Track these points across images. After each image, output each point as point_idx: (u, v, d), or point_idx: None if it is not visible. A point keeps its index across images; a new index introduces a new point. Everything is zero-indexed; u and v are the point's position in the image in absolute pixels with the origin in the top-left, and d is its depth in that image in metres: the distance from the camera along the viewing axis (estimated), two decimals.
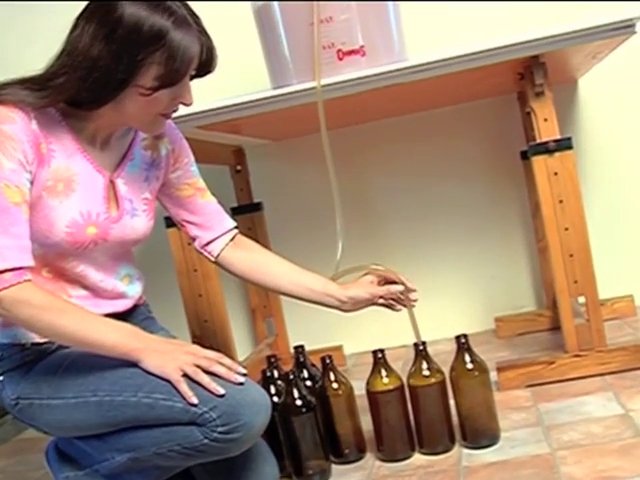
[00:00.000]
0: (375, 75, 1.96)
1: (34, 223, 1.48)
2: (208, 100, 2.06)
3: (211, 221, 1.81)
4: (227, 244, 1.82)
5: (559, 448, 1.72)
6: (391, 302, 1.82)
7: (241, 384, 1.45)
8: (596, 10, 2.57)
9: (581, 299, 2.16)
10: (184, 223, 1.82)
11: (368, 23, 2.04)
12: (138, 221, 1.65)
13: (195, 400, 1.41)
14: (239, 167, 2.86)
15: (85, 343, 1.46)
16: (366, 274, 1.83)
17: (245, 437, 1.43)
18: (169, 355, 1.46)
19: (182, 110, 2.01)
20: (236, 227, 1.86)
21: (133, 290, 1.72)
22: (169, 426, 1.45)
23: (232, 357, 2.19)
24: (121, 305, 1.68)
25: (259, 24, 2.15)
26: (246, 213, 2.86)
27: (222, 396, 1.41)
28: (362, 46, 2.02)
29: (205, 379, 1.43)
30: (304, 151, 2.91)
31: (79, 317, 1.47)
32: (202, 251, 1.83)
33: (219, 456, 1.47)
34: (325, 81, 1.97)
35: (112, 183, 1.61)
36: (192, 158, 1.81)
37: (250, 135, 2.64)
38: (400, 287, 1.80)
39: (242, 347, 2.85)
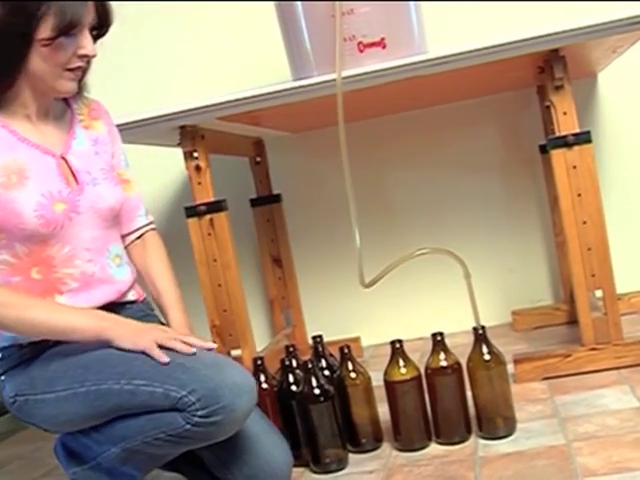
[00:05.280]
0: (396, 67, 1.97)
1: (5, 221, 1.53)
2: (229, 91, 2.08)
3: (124, 217, 1.79)
4: (132, 241, 1.83)
5: (575, 440, 1.72)
6: None
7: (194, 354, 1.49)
8: (617, 5, 2.56)
9: (598, 293, 2.16)
10: None
11: (389, 16, 2.04)
12: (102, 189, 1.68)
13: (166, 359, 1.46)
14: (259, 159, 2.88)
15: (56, 331, 1.52)
16: None
17: (227, 420, 1.44)
18: (141, 332, 1.53)
19: (203, 101, 2.04)
20: (147, 225, 1.85)
21: (122, 273, 1.73)
22: (154, 413, 1.47)
23: (250, 347, 2.21)
24: (112, 291, 1.69)
25: (280, 16, 2.16)
26: (265, 204, 2.88)
27: (199, 373, 1.44)
28: (383, 38, 2.03)
29: (178, 345, 1.49)
30: (323, 143, 2.92)
31: (46, 307, 1.55)
32: None
33: (206, 442, 1.48)
34: (346, 73, 1.98)
35: (64, 160, 1.64)
36: (122, 146, 1.83)
37: (270, 127, 2.65)
38: None
39: (260, 338, 2.86)
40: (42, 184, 1.57)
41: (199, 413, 1.42)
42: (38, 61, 1.54)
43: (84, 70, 1.63)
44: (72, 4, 1.51)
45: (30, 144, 1.60)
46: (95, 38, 1.60)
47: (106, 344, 1.52)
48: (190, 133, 2.16)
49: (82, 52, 1.57)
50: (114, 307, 1.67)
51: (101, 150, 1.74)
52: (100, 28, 1.61)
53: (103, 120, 1.78)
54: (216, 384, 1.43)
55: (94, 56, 1.60)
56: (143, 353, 1.49)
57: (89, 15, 1.56)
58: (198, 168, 2.17)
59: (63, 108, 1.73)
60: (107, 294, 1.67)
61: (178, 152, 2.22)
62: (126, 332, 1.53)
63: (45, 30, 1.50)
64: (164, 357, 1.46)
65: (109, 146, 1.77)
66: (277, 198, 2.90)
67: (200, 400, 1.42)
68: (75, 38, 1.54)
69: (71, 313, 1.56)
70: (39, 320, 1.51)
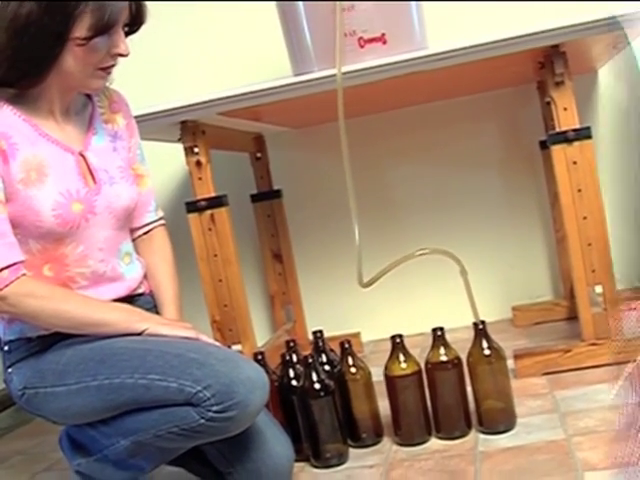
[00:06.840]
0: (396, 63, 1.97)
1: (22, 218, 1.53)
2: (230, 87, 2.08)
3: (135, 211, 1.77)
4: (140, 236, 1.82)
5: (575, 434, 1.73)
6: None
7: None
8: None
9: (598, 289, 2.17)
10: None
11: (389, 11, 2.05)
12: (119, 188, 1.68)
13: (216, 343, 1.60)
14: (259, 154, 2.88)
15: (89, 324, 1.54)
16: None
17: (241, 415, 1.45)
18: (172, 322, 1.65)
19: (204, 96, 2.05)
20: (155, 221, 1.84)
21: (133, 271, 1.73)
22: (167, 407, 1.48)
23: (251, 342, 2.21)
24: (122, 288, 1.69)
25: (281, 12, 2.16)
26: (265, 200, 2.88)
27: (213, 369, 1.45)
28: (383, 34, 2.03)
29: (204, 337, 1.57)
30: (324, 139, 2.92)
31: (81, 301, 1.57)
32: None
33: (219, 436, 1.49)
34: (346, 68, 1.98)
35: (83, 157, 1.64)
36: (139, 140, 1.83)
37: (270, 122, 2.65)
38: None
39: (261, 333, 2.86)
40: (61, 182, 1.57)
41: (214, 408, 1.43)
42: (71, 60, 1.52)
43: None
44: (110, 2, 1.49)
45: (51, 140, 1.59)
46: (125, 35, 1.58)
47: (136, 334, 1.56)
48: (191, 128, 2.16)
49: (116, 51, 1.56)
50: (124, 299, 1.68)
51: (119, 146, 1.74)
52: (132, 25, 1.59)
53: (122, 113, 1.78)
54: (231, 380, 1.44)
55: (127, 55, 1.58)
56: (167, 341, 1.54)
57: (125, 14, 1.54)
58: (199, 163, 2.17)
59: (84, 101, 1.72)
60: (116, 291, 1.68)
61: (179, 147, 2.22)
62: (159, 321, 1.61)
63: (81, 29, 1.48)
64: (212, 340, 1.59)
65: (127, 141, 1.76)
66: (278, 194, 2.90)
67: (215, 396, 1.42)
68: (110, 37, 1.53)
69: (104, 306, 1.60)
70: (74, 313, 1.53)
